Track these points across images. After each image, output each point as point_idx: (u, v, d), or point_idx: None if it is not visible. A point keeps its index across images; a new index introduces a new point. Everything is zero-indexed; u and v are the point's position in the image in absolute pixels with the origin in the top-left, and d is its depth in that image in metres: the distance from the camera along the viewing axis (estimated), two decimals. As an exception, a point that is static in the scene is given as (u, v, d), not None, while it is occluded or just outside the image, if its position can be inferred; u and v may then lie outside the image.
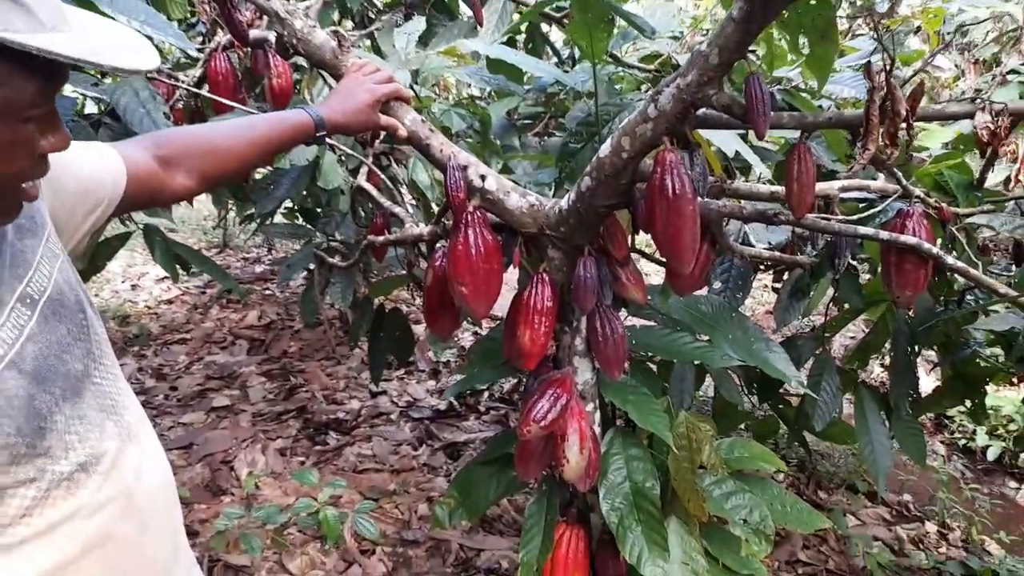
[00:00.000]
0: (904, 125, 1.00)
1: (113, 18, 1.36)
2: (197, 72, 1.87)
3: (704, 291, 1.90)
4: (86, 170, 0.88)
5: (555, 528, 1.60)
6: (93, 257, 1.95)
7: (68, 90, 1.90)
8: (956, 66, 3.46)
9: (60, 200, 0.83)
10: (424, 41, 2.15)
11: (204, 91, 1.85)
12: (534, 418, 1.35)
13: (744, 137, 1.88)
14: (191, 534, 2.40)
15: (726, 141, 1.47)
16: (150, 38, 1.48)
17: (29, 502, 0.70)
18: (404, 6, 2.21)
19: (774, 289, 1.89)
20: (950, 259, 1.12)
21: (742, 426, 2.60)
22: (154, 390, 3.51)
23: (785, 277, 1.87)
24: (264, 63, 1.71)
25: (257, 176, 3.05)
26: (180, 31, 1.50)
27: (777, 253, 1.40)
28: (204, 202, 6.28)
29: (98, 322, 0.82)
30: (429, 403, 3.48)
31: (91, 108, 2.18)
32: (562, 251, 1.39)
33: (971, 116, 0.99)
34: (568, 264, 1.40)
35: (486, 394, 3.60)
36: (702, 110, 1.07)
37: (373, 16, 2.43)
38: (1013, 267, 1.71)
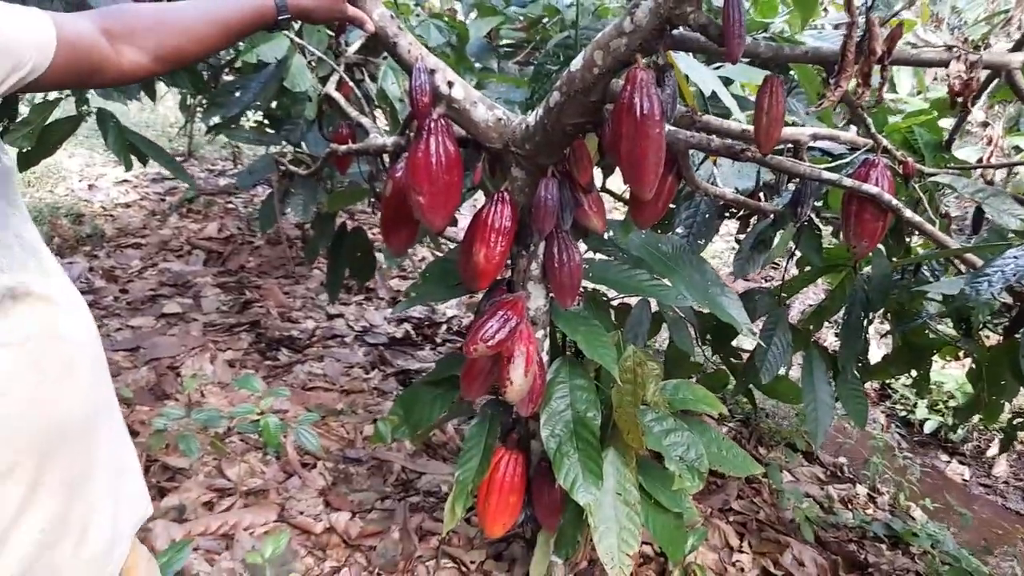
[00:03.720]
0: (879, 66, 0.97)
1: None
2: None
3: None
4: (14, 34, 0.81)
5: (494, 452, 1.61)
6: (42, 137, 1.86)
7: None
8: (946, 44, 3.44)
9: None
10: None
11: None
12: (482, 337, 1.34)
13: (728, 82, 1.84)
14: (132, 433, 2.37)
15: (705, 80, 1.43)
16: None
17: None
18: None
19: (738, 240, 1.88)
20: (908, 212, 1.12)
21: (692, 378, 2.63)
22: (103, 291, 3.42)
23: (749, 229, 1.87)
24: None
25: (227, 78, 2.94)
26: None
27: (742, 197, 1.39)
28: (171, 108, 6.07)
29: (15, 175, 0.78)
30: (386, 330, 3.46)
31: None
32: (526, 171, 1.36)
33: (946, 64, 0.97)
34: (531, 185, 1.36)
35: (444, 326, 3.59)
36: (678, 30, 1.04)
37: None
38: (971, 240, 1.73)
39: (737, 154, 1.17)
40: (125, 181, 4.92)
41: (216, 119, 2.30)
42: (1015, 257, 0.94)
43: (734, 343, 2.32)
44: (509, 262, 1.50)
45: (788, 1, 1.23)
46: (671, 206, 1.94)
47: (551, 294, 1.51)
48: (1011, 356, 1.79)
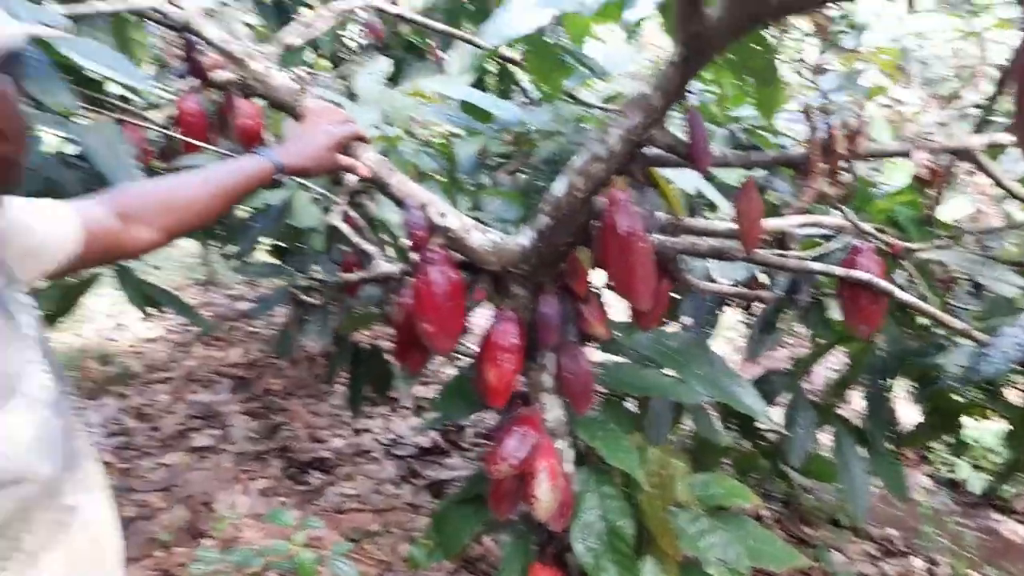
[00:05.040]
0: (845, 164, 1.01)
1: (79, 63, 1.37)
2: (168, 113, 1.90)
3: (677, 327, 1.90)
4: (37, 235, 0.89)
5: (530, 570, 1.58)
6: (63, 298, 1.95)
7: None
8: (920, 100, 3.52)
9: (9, 255, 0.84)
10: (394, 80, 2.18)
11: (175, 131, 1.88)
12: (502, 456, 1.35)
13: (710, 177, 1.91)
14: (168, 579, 2.36)
15: (686, 179, 1.49)
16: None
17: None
18: (376, 47, 2.24)
19: (746, 324, 1.90)
20: (902, 294, 1.13)
21: (725, 461, 2.58)
22: (135, 430, 3.47)
23: (754, 312, 1.88)
24: (231, 105, 1.73)
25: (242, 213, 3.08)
26: (143, 74, 1.52)
27: (739, 289, 1.41)
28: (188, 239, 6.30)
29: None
30: (413, 440, 3.45)
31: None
32: (526, 288, 1.40)
33: (908, 155, 1.01)
34: (533, 300, 1.40)
35: (470, 430, 3.57)
36: (650, 150, 1.09)
37: (345, 56, 2.48)
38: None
39: (724, 255, 1.20)
40: (150, 315, 5.06)
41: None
42: (1015, 336, 0.95)
43: (760, 424, 2.28)
44: (523, 376, 1.52)
45: (744, 90, 1.29)
46: (675, 296, 1.98)
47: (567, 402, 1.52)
48: (1044, 412, 1.76)
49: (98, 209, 0.99)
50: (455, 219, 1.37)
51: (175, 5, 1.27)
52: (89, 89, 1.81)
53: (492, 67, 2.21)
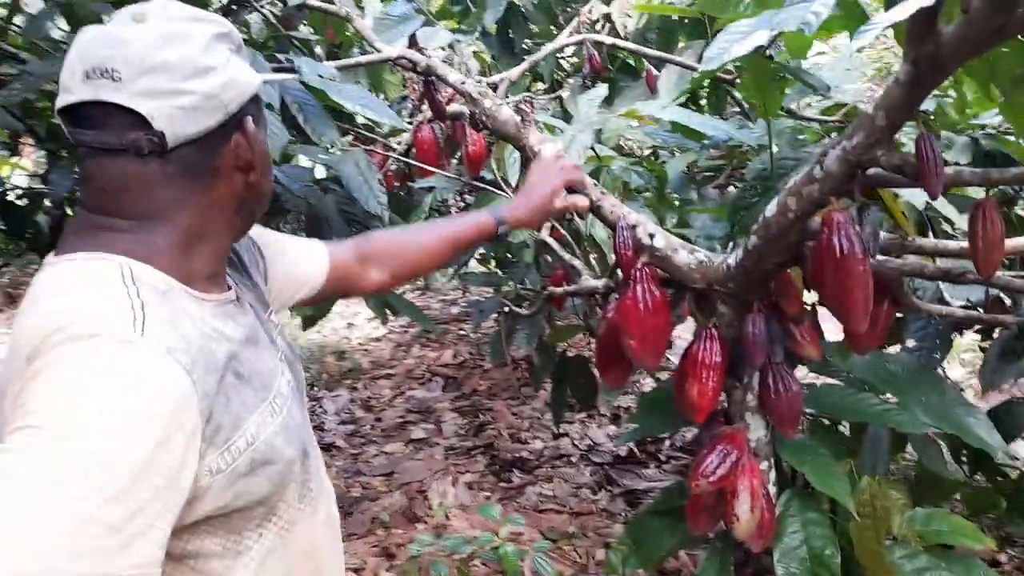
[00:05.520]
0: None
1: (342, 105, 1.61)
2: (406, 140, 2.14)
3: (896, 348, 1.78)
4: (302, 267, 1.08)
5: (728, 588, 1.57)
6: (320, 305, 2.26)
7: (303, 160, 2.25)
8: None
9: (270, 284, 1.02)
10: (608, 102, 2.27)
11: (411, 158, 2.11)
12: (703, 472, 1.36)
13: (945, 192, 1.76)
14: (389, 556, 2.64)
15: (913, 193, 1.41)
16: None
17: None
18: (595, 77, 2.33)
19: (981, 348, 1.73)
20: None
21: (954, 497, 2.35)
22: (363, 420, 3.89)
23: (994, 336, 1.71)
24: (461, 134, 1.92)
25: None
26: (393, 111, 1.74)
27: (975, 313, 1.31)
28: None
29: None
30: (609, 448, 3.51)
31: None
32: (731, 306, 1.41)
33: None
34: (738, 319, 1.40)
35: (667, 443, 3.56)
36: (871, 170, 1.06)
37: (560, 79, 2.61)
38: None
39: (957, 278, 1.13)
40: (375, 317, 5.62)
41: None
42: None
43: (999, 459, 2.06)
44: (724, 394, 1.52)
45: (989, 98, 1.18)
46: (900, 316, 1.85)
47: (771, 424, 1.50)
48: None
49: (343, 250, 1.17)
50: (662, 239, 1.41)
51: (420, 51, 1.45)
52: (340, 121, 2.10)
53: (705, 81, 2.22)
